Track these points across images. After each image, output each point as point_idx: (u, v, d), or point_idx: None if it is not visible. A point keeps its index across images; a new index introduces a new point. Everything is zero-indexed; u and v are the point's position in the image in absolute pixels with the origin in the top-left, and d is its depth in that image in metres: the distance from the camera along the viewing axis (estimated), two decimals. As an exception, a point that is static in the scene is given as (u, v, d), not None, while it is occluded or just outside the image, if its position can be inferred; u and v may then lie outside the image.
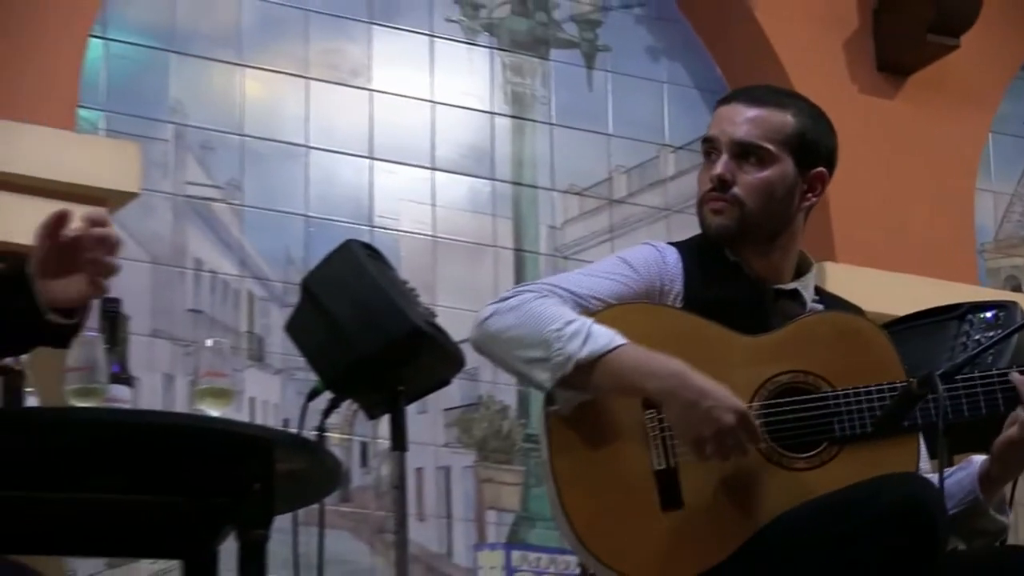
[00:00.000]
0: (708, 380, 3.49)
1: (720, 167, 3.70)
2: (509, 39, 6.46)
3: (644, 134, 6.60)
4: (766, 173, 3.71)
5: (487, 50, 6.42)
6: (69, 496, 3.73)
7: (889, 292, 5.19)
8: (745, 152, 3.70)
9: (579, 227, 6.44)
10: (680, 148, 6.64)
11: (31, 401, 3.68)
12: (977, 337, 3.81)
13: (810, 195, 3.76)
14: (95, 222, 3.11)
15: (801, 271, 3.80)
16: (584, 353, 3.50)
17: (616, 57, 6.62)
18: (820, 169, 3.75)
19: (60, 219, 3.13)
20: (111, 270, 3.10)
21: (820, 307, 3.78)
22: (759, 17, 6.57)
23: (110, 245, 3.10)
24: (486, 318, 3.62)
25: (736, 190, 3.69)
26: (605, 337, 3.52)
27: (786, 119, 3.74)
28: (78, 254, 3.12)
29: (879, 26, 6.66)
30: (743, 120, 3.72)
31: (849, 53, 6.63)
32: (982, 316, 3.90)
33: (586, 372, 3.51)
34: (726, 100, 3.81)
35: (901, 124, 6.18)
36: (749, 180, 3.70)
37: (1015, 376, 3.51)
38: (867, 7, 6.68)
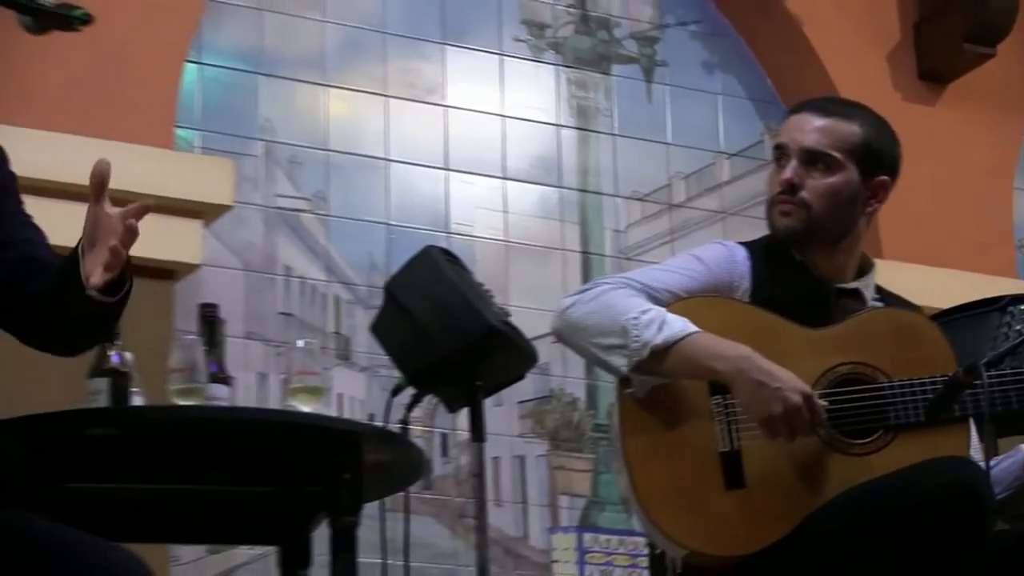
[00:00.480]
0: (775, 365, 3.49)
1: (789, 172, 3.71)
2: (573, 56, 6.45)
3: (700, 142, 6.58)
4: (832, 179, 3.72)
5: (553, 67, 6.41)
6: (173, 488, 3.74)
7: (933, 287, 5.15)
8: (813, 159, 3.71)
9: (641, 230, 6.43)
10: (734, 155, 6.62)
11: (136, 400, 3.68)
12: (1018, 327, 3.79)
13: (873, 201, 3.77)
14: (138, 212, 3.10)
15: (863, 271, 3.81)
16: (659, 339, 3.51)
17: (673, 71, 6.60)
18: (883, 177, 3.76)
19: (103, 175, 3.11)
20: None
21: (880, 304, 3.78)
22: (807, 31, 6.55)
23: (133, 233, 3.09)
24: (567, 308, 3.66)
25: (804, 194, 3.71)
26: (679, 324, 3.53)
27: (853, 129, 3.74)
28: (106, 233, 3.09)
29: (919, 38, 6.64)
30: (812, 129, 3.73)
31: (891, 64, 6.60)
32: (1022, 307, 3.87)
33: (660, 357, 3.52)
34: (797, 110, 3.82)
35: (941, 129, 6.15)
36: (816, 185, 3.71)
37: None
38: (908, 20, 6.65)
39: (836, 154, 3.71)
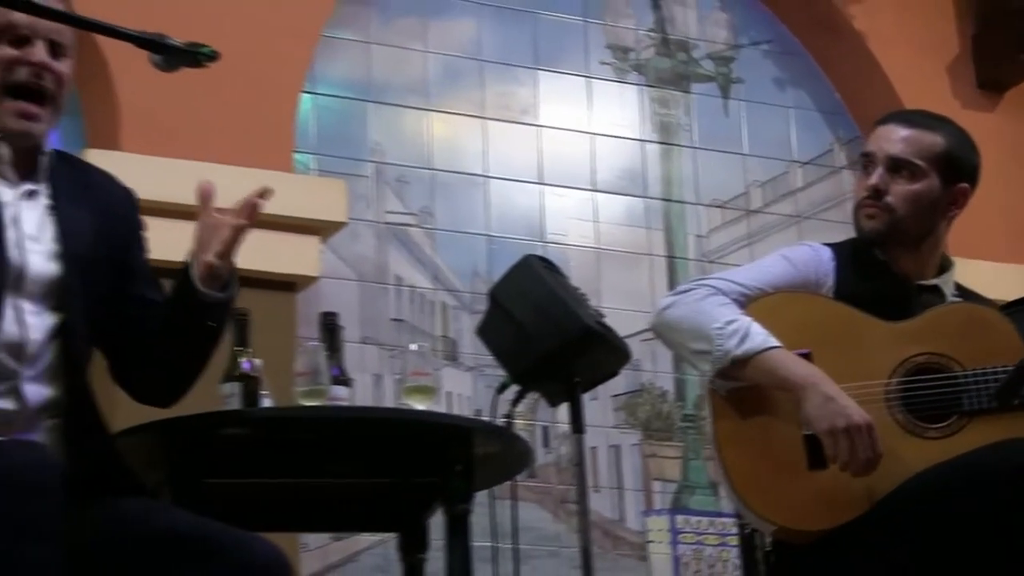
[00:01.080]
0: (842, 391, 3.52)
1: (875, 178, 3.72)
2: (655, 76, 6.44)
3: (775, 152, 6.55)
4: (916, 186, 3.72)
5: (636, 87, 6.40)
6: (300, 482, 3.77)
7: (999, 280, 5.10)
8: (898, 166, 3.72)
9: (721, 235, 6.41)
10: (806, 163, 6.59)
11: (265, 402, 3.71)
12: (1084, 317, 3.75)
13: (953, 207, 3.78)
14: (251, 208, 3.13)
15: (943, 269, 3.81)
16: (740, 351, 3.54)
17: (748, 87, 6.58)
18: (963, 185, 3.77)
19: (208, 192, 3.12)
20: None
21: (957, 300, 3.78)
22: (871, 47, 6.51)
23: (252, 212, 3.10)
24: (665, 308, 3.69)
25: (889, 199, 3.71)
26: (760, 338, 3.55)
27: (936, 140, 3.74)
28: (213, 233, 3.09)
29: (977, 49, 6.59)
30: (898, 139, 3.74)
31: (951, 74, 6.56)
32: (1087, 298, 3.85)
33: (741, 366, 3.55)
34: (884, 121, 3.83)
35: (1001, 134, 6.09)
36: (900, 191, 3.71)
37: None
38: (966, 33, 6.61)
39: (920, 162, 3.71)
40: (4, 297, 2.90)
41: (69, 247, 3.00)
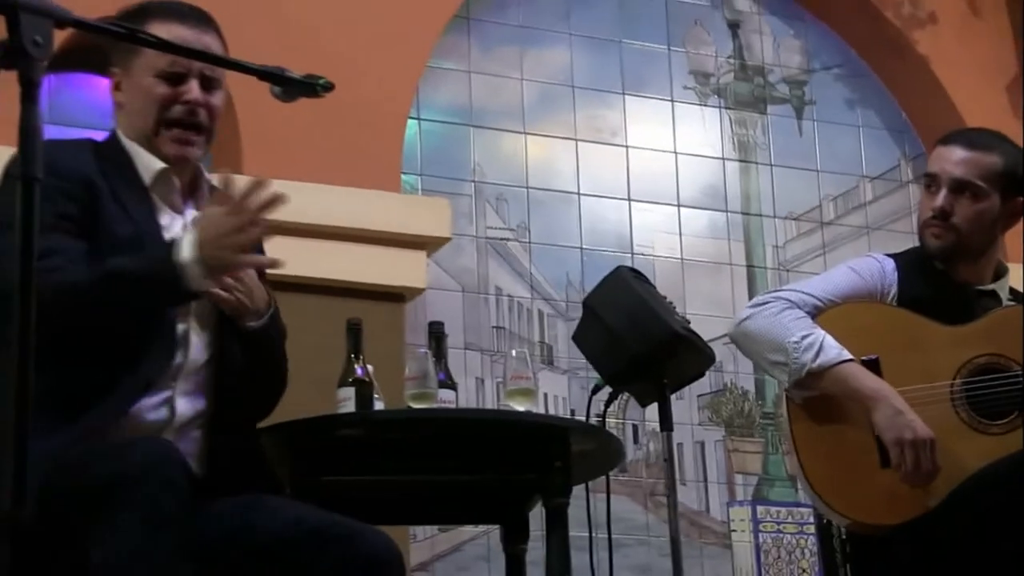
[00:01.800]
0: (908, 406, 3.51)
1: (941, 200, 3.71)
2: (734, 99, 6.42)
3: (846, 168, 6.52)
4: (979, 206, 3.70)
5: (716, 109, 6.37)
6: (410, 478, 3.77)
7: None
8: (962, 188, 3.70)
9: (797, 245, 6.37)
10: (875, 178, 6.55)
11: (378, 405, 3.71)
12: None
13: (1012, 220, 3.76)
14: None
15: (999, 275, 3.78)
16: (815, 364, 3.56)
17: (820, 108, 6.54)
18: (1020, 199, 3.74)
19: None
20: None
21: (1012, 303, 3.75)
22: (934, 69, 6.47)
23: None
24: (744, 319, 3.70)
25: (954, 219, 3.70)
26: (833, 352, 3.56)
27: (995, 160, 3.72)
28: None
29: (1034, 71, 6.54)
30: (960, 161, 3.72)
31: (1011, 93, 6.50)
32: None
33: (816, 377, 3.56)
34: (945, 141, 3.80)
35: (1056, 149, 6.03)
36: (966, 212, 3.69)
37: None
38: (1022, 56, 6.55)
39: (982, 183, 3.69)
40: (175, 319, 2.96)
41: None
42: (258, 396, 3.14)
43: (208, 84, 3.04)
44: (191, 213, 3.08)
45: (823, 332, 3.57)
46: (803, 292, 3.69)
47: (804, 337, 3.56)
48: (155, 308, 2.90)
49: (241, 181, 2.84)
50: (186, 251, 2.78)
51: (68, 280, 2.75)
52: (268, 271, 3.20)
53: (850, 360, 3.54)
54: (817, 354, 3.54)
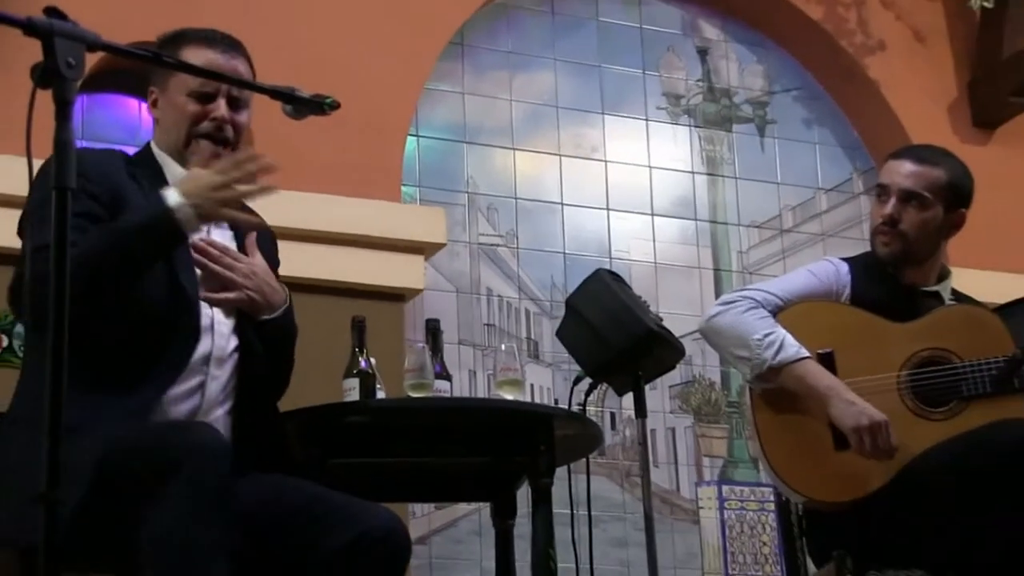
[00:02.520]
0: (858, 397, 3.52)
1: (890, 209, 3.72)
2: (703, 118, 6.41)
3: (803, 181, 6.51)
4: (924, 215, 3.71)
5: (687, 127, 6.37)
6: (410, 460, 3.77)
7: (990, 286, 5.03)
8: (909, 198, 3.71)
9: (759, 251, 6.37)
10: (830, 190, 6.55)
11: (380, 394, 3.71)
12: (1061, 316, 3.71)
13: (953, 229, 3.77)
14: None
15: (942, 277, 3.79)
16: (776, 361, 3.57)
17: (780, 127, 6.54)
18: (963, 210, 3.76)
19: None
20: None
21: (954, 302, 3.76)
22: (883, 92, 6.47)
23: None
24: (713, 316, 3.71)
25: (902, 226, 3.71)
26: (792, 349, 3.57)
27: (940, 173, 3.73)
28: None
29: (972, 93, 6.54)
30: (908, 173, 3.73)
31: (951, 114, 6.51)
32: (1064, 300, 3.80)
33: (775, 372, 3.56)
34: (896, 155, 3.81)
35: (992, 164, 6.02)
36: (912, 220, 3.71)
37: None
38: (963, 80, 6.56)
39: (928, 195, 3.69)
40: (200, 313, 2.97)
41: None
42: (274, 364, 3.15)
43: (235, 104, 3.06)
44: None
45: (784, 331, 3.58)
46: (767, 292, 3.69)
47: (767, 335, 3.57)
48: (158, 254, 2.89)
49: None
50: (172, 198, 2.81)
51: (82, 249, 2.75)
52: (281, 272, 3.21)
53: (807, 358, 3.55)
54: (778, 351, 3.54)
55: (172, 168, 3.07)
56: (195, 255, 2.99)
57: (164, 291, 2.92)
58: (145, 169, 3.06)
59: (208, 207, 2.83)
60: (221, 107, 3.04)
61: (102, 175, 2.95)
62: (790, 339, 3.56)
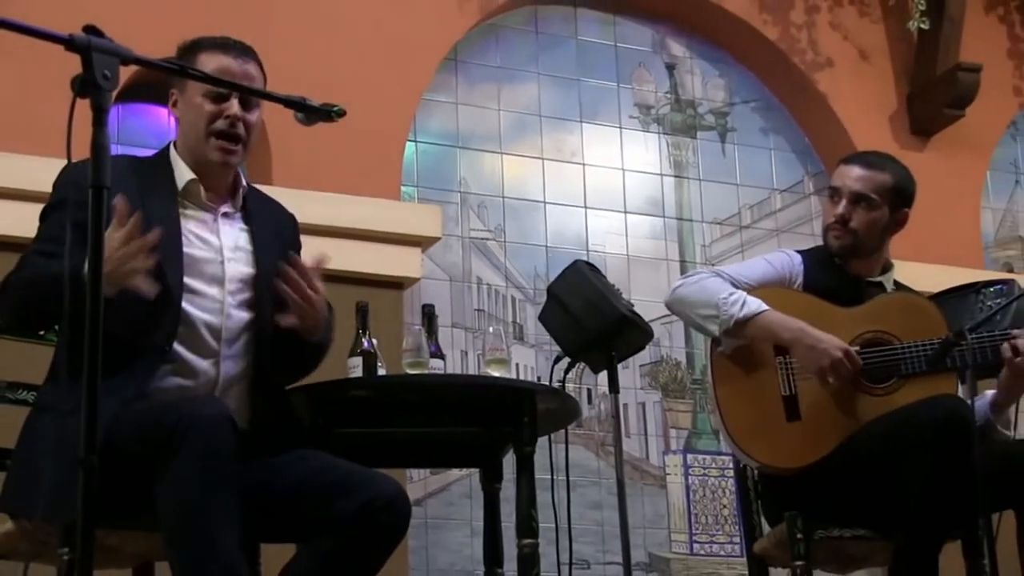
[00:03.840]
0: (822, 332, 3.50)
1: (842, 209, 3.72)
2: (670, 127, 6.42)
3: (760, 183, 6.52)
4: (872, 215, 3.72)
5: (656, 135, 6.37)
6: (408, 431, 3.77)
7: (925, 278, 5.04)
8: (858, 199, 3.71)
9: (721, 245, 6.38)
10: (784, 191, 6.55)
11: (381, 371, 3.71)
12: (989, 303, 3.72)
13: (897, 227, 3.77)
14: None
15: (885, 269, 3.80)
16: (742, 314, 3.55)
17: (740, 134, 6.55)
18: (905, 210, 3.75)
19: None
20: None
21: (896, 291, 3.77)
22: (831, 104, 6.48)
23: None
24: (676, 287, 3.70)
25: (852, 224, 3.71)
26: (755, 304, 3.56)
27: (887, 178, 3.74)
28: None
29: (911, 105, 6.55)
30: (858, 177, 3.73)
31: (892, 124, 6.52)
32: (991, 290, 3.80)
33: (742, 326, 3.55)
34: (847, 160, 3.82)
35: (929, 169, 6.02)
36: (861, 219, 3.71)
37: (1004, 347, 3.45)
38: (903, 94, 6.57)
39: (875, 196, 3.70)
40: (178, 289, 2.93)
41: (263, 260, 3.05)
42: (301, 368, 3.18)
43: (246, 104, 3.05)
44: (225, 207, 3.08)
45: (744, 292, 3.58)
46: (725, 273, 3.69)
47: (730, 294, 3.57)
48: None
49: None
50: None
51: (29, 274, 2.77)
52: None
53: (769, 310, 3.54)
54: (742, 306, 3.54)
55: (181, 169, 3.06)
56: (280, 283, 2.93)
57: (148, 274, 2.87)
58: (153, 169, 3.06)
59: (119, 279, 2.67)
60: (234, 106, 3.03)
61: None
62: (752, 297, 3.56)
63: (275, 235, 3.14)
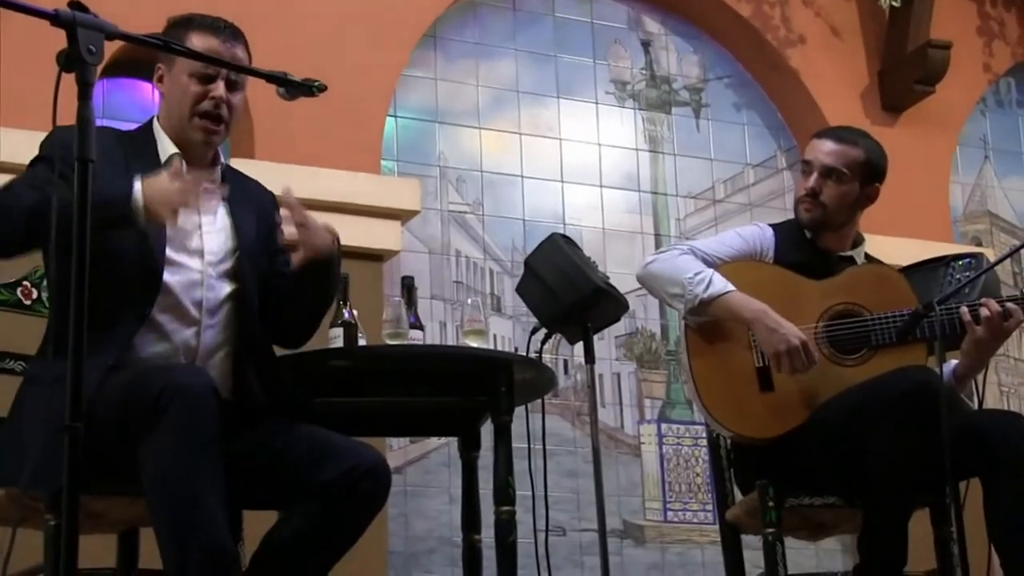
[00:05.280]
0: (783, 318, 3.50)
1: (812, 182, 3.72)
2: (645, 102, 6.42)
3: (733, 157, 6.53)
4: (843, 188, 3.72)
5: (632, 110, 6.38)
6: (387, 400, 3.77)
7: (895, 251, 5.08)
8: (829, 173, 3.70)
9: (695, 219, 6.39)
10: (756, 165, 6.57)
11: (361, 341, 3.72)
12: (958, 276, 3.73)
13: (868, 201, 3.78)
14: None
15: (856, 243, 3.81)
16: (706, 295, 3.54)
17: (714, 110, 6.55)
18: (876, 185, 3.76)
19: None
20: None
21: (866, 263, 3.78)
22: (804, 80, 6.50)
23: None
24: (648, 263, 3.70)
25: (822, 198, 3.71)
26: (720, 284, 3.55)
27: (858, 152, 3.74)
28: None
29: (882, 81, 6.57)
30: (829, 151, 3.73)
31: (863, 100, 6.54)
32: (960, 263, 3.82)
33: (706, 305, 3.55)
34: (819, 135, 3.82)
35: (899, 143, 6.02)
36: (831, 192, 3.71)
37: (963, 310, 3.47)
38: (874, 70, 6.58)
39: (846, 170, 3.70)
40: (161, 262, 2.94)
41: (242, 237, 3.07)
42: (317, 308, 3.18)
43: (232, 86, 3.06)
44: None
45: (712, 271, 3.58)
46: (698, 247, 3.70)
47: (696, 274, 3.57)
48: (100, 227, 2.82)
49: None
50: (136, 190, 2.75)
51: (37, 196, 2.75)
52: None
53: (733, 291, 3.54)
54: (707, 286, 3.54)
55: (164, 143, 3.07)
56: (284, 212, 2.97)
57: (132, 244, 2.90)
58: (138, 143, 3.07)
59: (156, 210, 2.76)
60: (220, 88, 3.04)
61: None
62: (718, 276, 3.56)
63: (253, 211, 3.15)
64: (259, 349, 3.08)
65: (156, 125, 3.11)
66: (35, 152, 2.97)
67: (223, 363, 3.01)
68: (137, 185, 2.77)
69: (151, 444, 2.59)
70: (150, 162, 3.02)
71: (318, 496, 2.81)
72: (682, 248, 3.67)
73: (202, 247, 3.02)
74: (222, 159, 3.18)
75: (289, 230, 2.97)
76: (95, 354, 2.51)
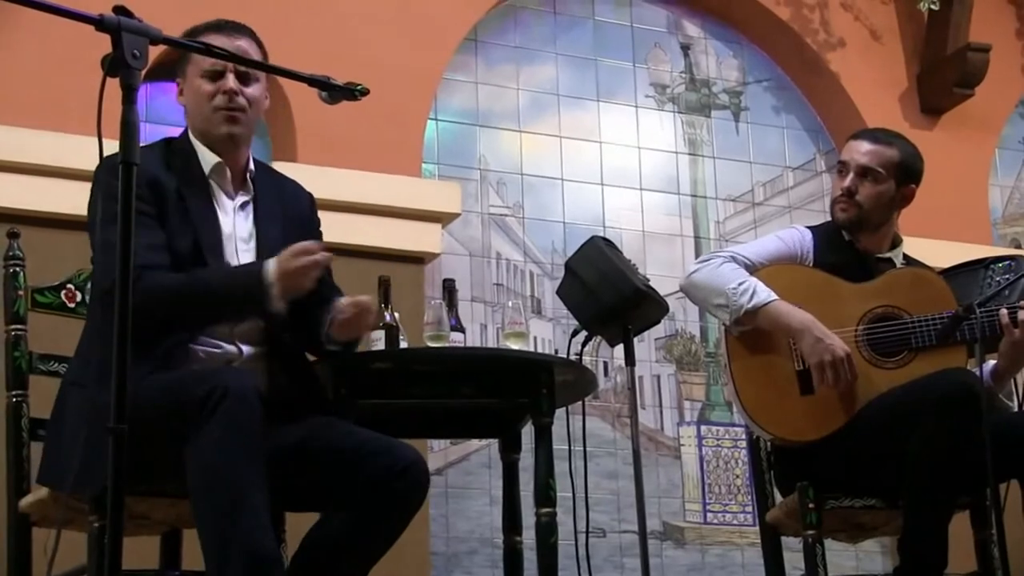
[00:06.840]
0: (828, 329, 3.50)
1: (848, 182, 3.71)
2: (685, 106, 6.39)
3: (773, 160, 6.50)
4: (878, 188, 3.70)
5: (671, 113, 6.35)
6: (429, 402, 3.76)
7: (935, 254, 5.02)
8: (865, 173, 3.69)
9: (734, 221, 6.36)
10: (796, 168, 6.53)
11: (403, 344, 3.71)
12: (998, 278, 3.71)
13: (904, 202, 3.76)
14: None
15: (895, 245, 3.79)
16: (751, 305, 3.53)
17: (753, 113, 6.52)
18: (912, 186, 3.74)
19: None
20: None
21: (905, 266, 3.76)
22: (843, 83, 6.46)
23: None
24: (692, 273, 3.70)
25: (858, 197, 3.70)
26: (764, 293, 3.54)
27: (894, 153, 3.72)
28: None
29: (921, 84, 6.52)
30: (865, 151, 3.72)
31: (902, 103, 6.49)
32: (1000, 265, 3.79)
33: (751, 315, 3.53)
34: (855, 136, 3.81)
35: (938, 146, 6.02)
36: (867, 192, 3.69)
37: (1002, 312, 3.47)
38: (913, 73, 6.54)
39: (881, 170, 3.68)
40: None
41: (262, 253, 3.04)
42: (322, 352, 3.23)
43: (243, 78, 3.08)
44: (242, 198, 3.09)
45: (756, 279, 3.56)
46: (739, 253, 3.68)
47: (740, 284, 3.56)
48: (239, 319, 2.95)
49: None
50: (268, 278, 2.83)
51: (171, 285, 2.82)
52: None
53: (777, 300, 3.52)
54: (752, 296, 3.53)
55: (204, 154, 3.08)
56: (340, 316, 3.05)
57: (187, 248, 2.92)
58: (181, 154, 3.09)
59: (285, 291, 2.85)
60: (230, 81, 3.06)
61: (142, 172, 2.93)
62: (762, 286, 3.54)
63: (279, 215, 3.14)
64: (289, 350, 3.07)
65: (192, 138, 3.12)
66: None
67: (258, 364, 3.01)
68: (269, 274, 2.84)
69: (198, 444, 2.59)
70: (197, 176, 3.06)
71: (355, 495, 2.81)
72: (723, 256, 3.65)
73: (237, 260, 3.05)
74: (252, 167, 3.17)
75: (348, 312, 3.01)
76: (135, 360, 2.54)
